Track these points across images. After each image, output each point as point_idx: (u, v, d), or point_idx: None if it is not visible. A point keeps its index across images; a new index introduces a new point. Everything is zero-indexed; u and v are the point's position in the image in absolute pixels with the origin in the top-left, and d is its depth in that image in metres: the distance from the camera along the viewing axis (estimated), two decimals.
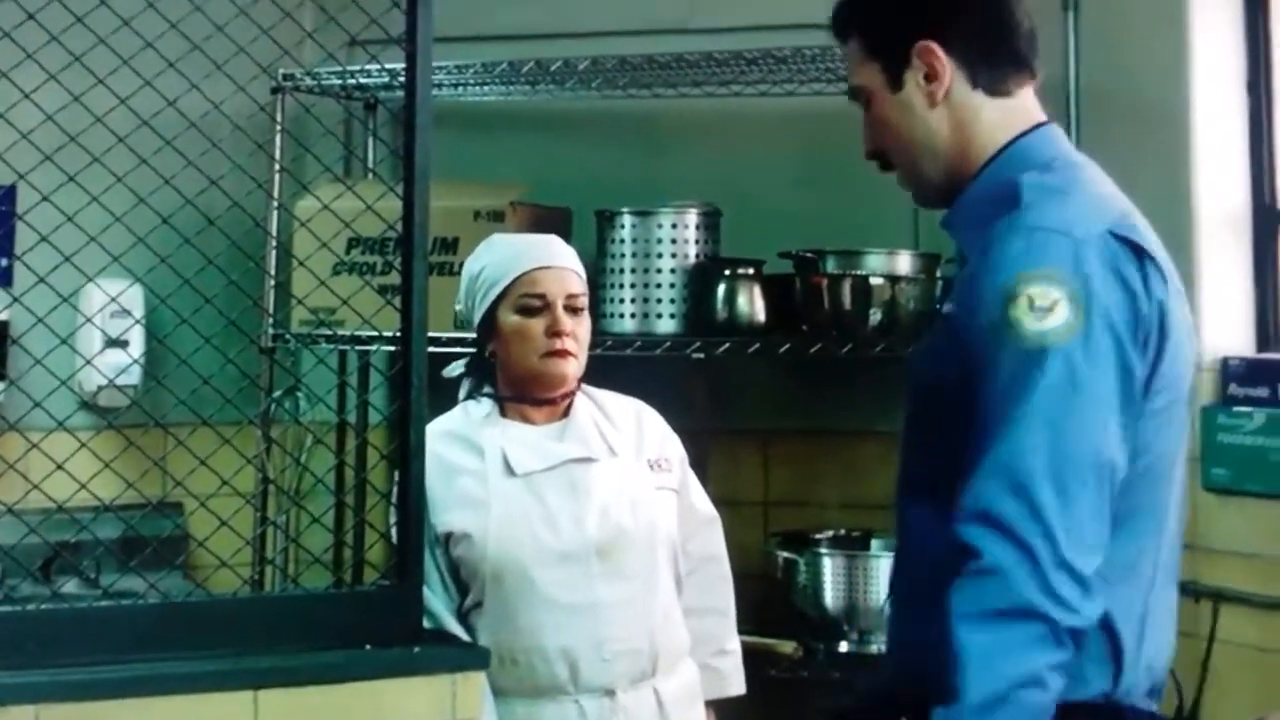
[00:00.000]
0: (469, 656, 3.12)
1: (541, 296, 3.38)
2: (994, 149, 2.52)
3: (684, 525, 3.48)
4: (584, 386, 3.50)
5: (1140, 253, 2.37)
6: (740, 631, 4.57)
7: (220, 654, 2.90)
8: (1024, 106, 2.58)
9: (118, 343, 4.45)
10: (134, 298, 4.62)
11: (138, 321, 4.48)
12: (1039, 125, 2.57)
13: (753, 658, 4.47)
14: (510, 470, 3.34)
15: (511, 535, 3.30)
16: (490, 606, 3.31)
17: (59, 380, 3.53)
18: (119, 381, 4.48)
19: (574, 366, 3.39)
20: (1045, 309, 2.27)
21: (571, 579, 3.29)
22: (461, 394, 3.50)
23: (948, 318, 2.42)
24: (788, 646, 4.54)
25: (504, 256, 3.44)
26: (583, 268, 3.50)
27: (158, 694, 2.77)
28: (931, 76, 2.53)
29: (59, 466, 3.01)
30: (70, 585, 4.38)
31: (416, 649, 3.05)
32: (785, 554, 4.70)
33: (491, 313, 3.41)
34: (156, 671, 2.80)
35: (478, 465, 3.33)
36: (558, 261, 3.42)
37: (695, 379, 4.99)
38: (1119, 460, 2.28)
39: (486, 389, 3.47)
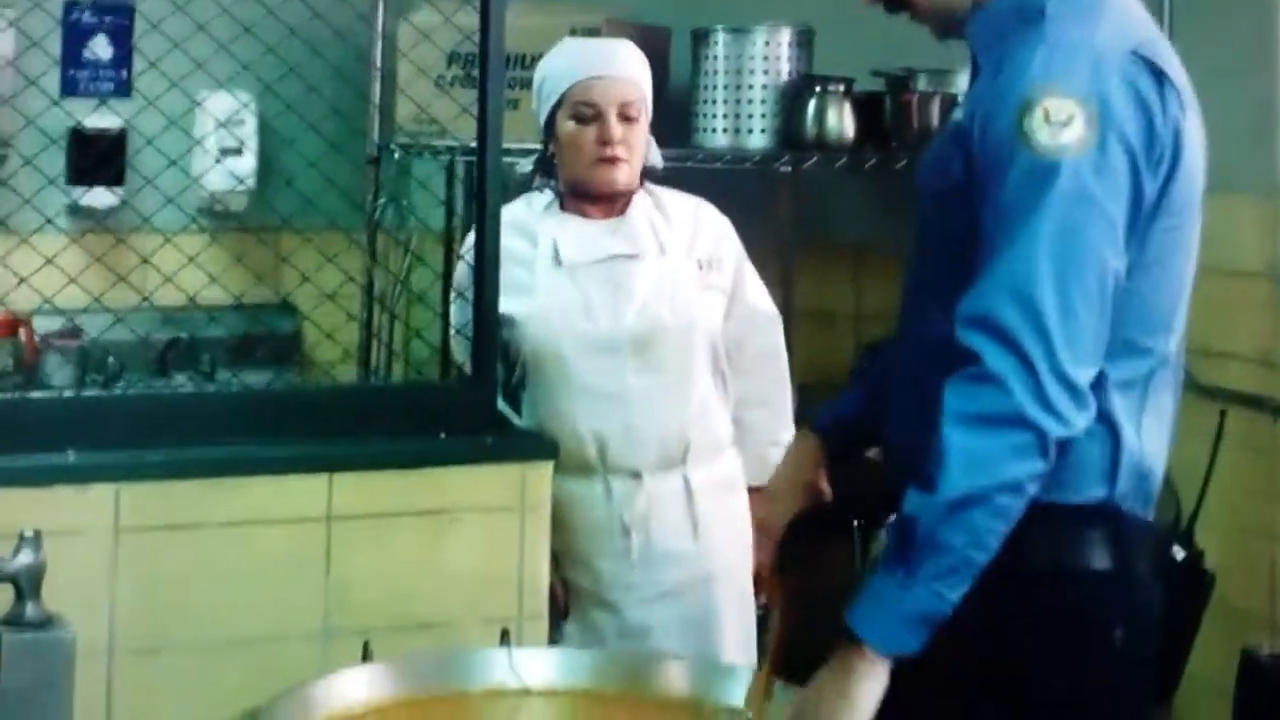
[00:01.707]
0: (538, 447, 3.18)
1: (593, 105, 3.41)
2: None
3: (741, 323, 3.50)
4: (647, 184, 3.53)
5: (1160, 76, 2.31)
6: None
7: (298, 440, 2.98)
8: None
9: (230, 151, 4.52)
10: (247, 111, 4.67)
11: (236, 135, 4.53)
12: None
13: None
14: (558, 261, 3.40)
15: (550, 322, 3.37)
16: (531, 386, 3.40)
17: (162, 190, 3.59)
18: (233, 190, 4.55)
19: (624, 173, 3.42)
20: (1061, 123, 2.23)
21: (605, 368, 3.35)
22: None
23: (957, 126, 2.39)
24: (870, 451, 4.55)
25: (564, 64, 3.47)
26: (647, 75, 3.51)
27: (234, 475, 2.86)
28: None
29: (145, 260, 3.07)
30: (187, 383, 4.48)
31: (489, 439, 3.12)
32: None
33: (552, 117, 3.46)
34: (233, 454, 2.89)
35: (530, 253, 3.39)
36: (613, 71, 3.43)
37: (784, 193, 4.99)
38: (1121, 272, 2.25)
39: (551, 182, 3.52)
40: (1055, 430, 2.17)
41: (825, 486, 2.68)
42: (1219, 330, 4.13)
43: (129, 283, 3.47)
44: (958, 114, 2.43)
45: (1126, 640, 2.28)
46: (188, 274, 3.62)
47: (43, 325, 4.20)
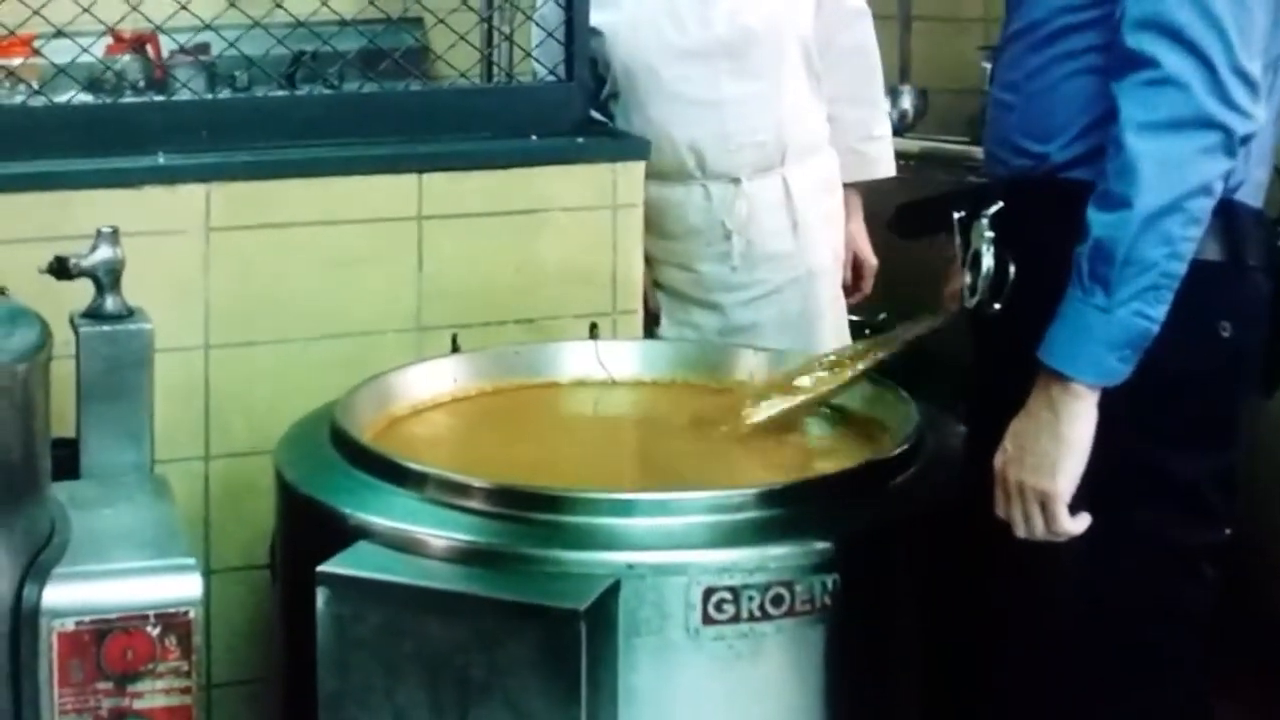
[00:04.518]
0: (630, 147, 3.13)
1: None
2: None
3: (830, 19, 3.38)
4: None
5: None
6: (951, 140, 4.51)
7: (389, 141, 2.95)
8: None
9: None
10: None
11: None
12: None
13: (951, 160, 4.40)
14: None
15: (639, 34, 3.27)
16: (624, 99, 3.31)
17: None
18: None
19: None
20: None
21: (698, 75, 3.26)
22: None
23: None
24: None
25: None
26: None
27: (323, 174, 2.84)
28: None
29: None
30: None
31: (580, 140, 3.07)
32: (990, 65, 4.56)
33: None
34: (323, 154, 2.87)
35: None
36: None
37: None
38: None
39: None
40: (1239, 126, 2.06)
41: None
42: None
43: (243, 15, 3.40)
44: None
45: (1235, 332, 2.19)
46: None
47: (170, 44, 4.18)
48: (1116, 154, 2.05)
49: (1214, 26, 2.04)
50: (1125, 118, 2.05)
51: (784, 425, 2.64)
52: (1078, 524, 2.10)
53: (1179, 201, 2.04)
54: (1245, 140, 2.09)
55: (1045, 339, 2.08)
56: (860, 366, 2.64)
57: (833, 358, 2.73)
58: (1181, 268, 2.06)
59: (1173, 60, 2.04)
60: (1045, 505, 2.09)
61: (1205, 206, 2.06)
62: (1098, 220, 2.05)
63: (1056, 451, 2.08)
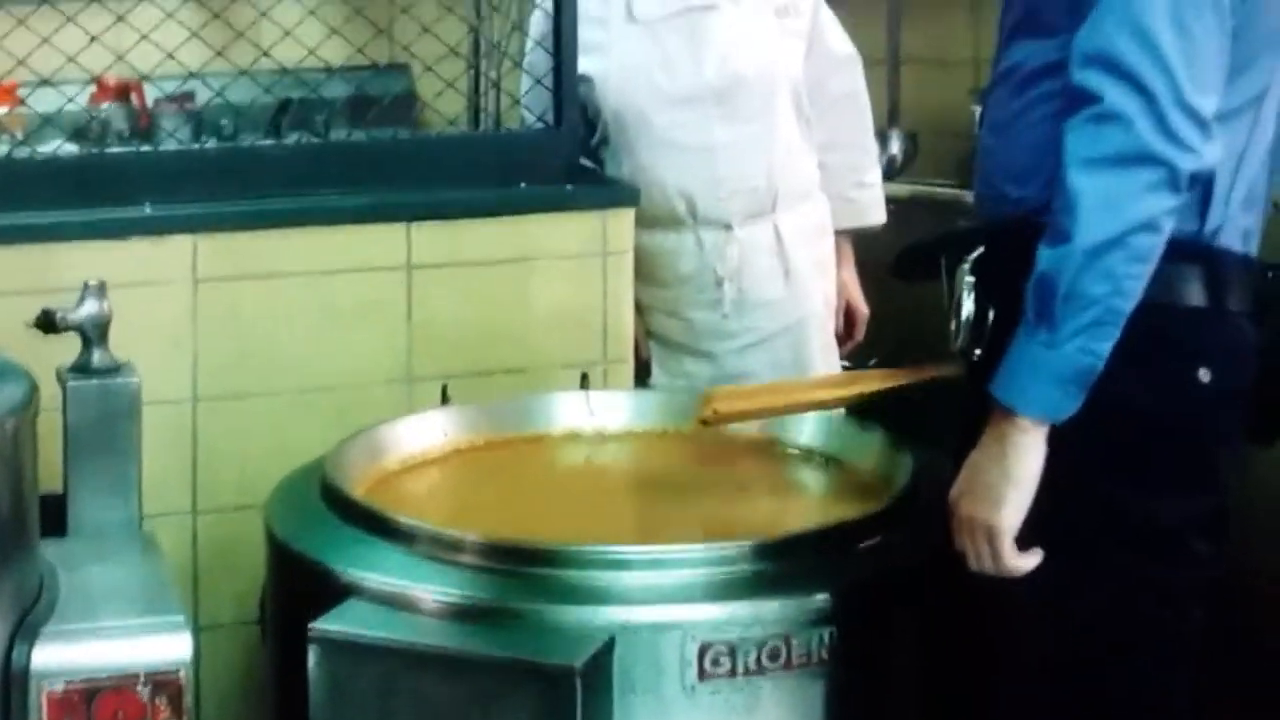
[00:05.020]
0: (619, 194, 3.13)
1: None
2: None
3: (820, 65, 3.40)
4: None
5: None
6: (940, 184, 4.52)
7: (377, 190, 2.95)
8: None
9: None
10: None
11: None
12: None
13: (940, 205, 4.41)
14: (632, 16, 3.29)
15: (629, 80, 3.27)
16: (614, 145, 3.31)
17: None
18: None
19: None
20: None
21: (688, 122, 3.27)
22: None
23: None
24: None
25: None
26: None
27: (311, 225, 2.84)
28: None
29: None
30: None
31: (569, 187, 3.07)
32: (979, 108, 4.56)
33: None
34: (310, 204, 2.87)
35: (601, 11, 3.27)
36: None
37: None
38: None
39: None
40: (1184, 163, 2.05)
41: None
42: None
43: (228, 63, 3.41)
44: None
45: (1214, 378, 2.19)
46: (297, 36, 3.57)
47: (155, 92, 4.19)
48: (1060, 190, 2.06)
49: (1158, 62, 2.05)
50: (1069, 154, 2.06)
51: (779, 478, 2.65)
52: (1025, 561, 2.10)
53: (1121, 237, 2.04)
54: (1196, 178, 2.08)
55: (996, 373, 2.09)
56: (865, 389, 2.64)
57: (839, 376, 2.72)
58: (1127, 305, 2.06)
59: (1116, 95, 2.05)
60: (991, 539, 2.10)
61: (1150, 243, 2.06)
62: (1042, 255, 2.06)
63: (1003, 485, 2.09)
